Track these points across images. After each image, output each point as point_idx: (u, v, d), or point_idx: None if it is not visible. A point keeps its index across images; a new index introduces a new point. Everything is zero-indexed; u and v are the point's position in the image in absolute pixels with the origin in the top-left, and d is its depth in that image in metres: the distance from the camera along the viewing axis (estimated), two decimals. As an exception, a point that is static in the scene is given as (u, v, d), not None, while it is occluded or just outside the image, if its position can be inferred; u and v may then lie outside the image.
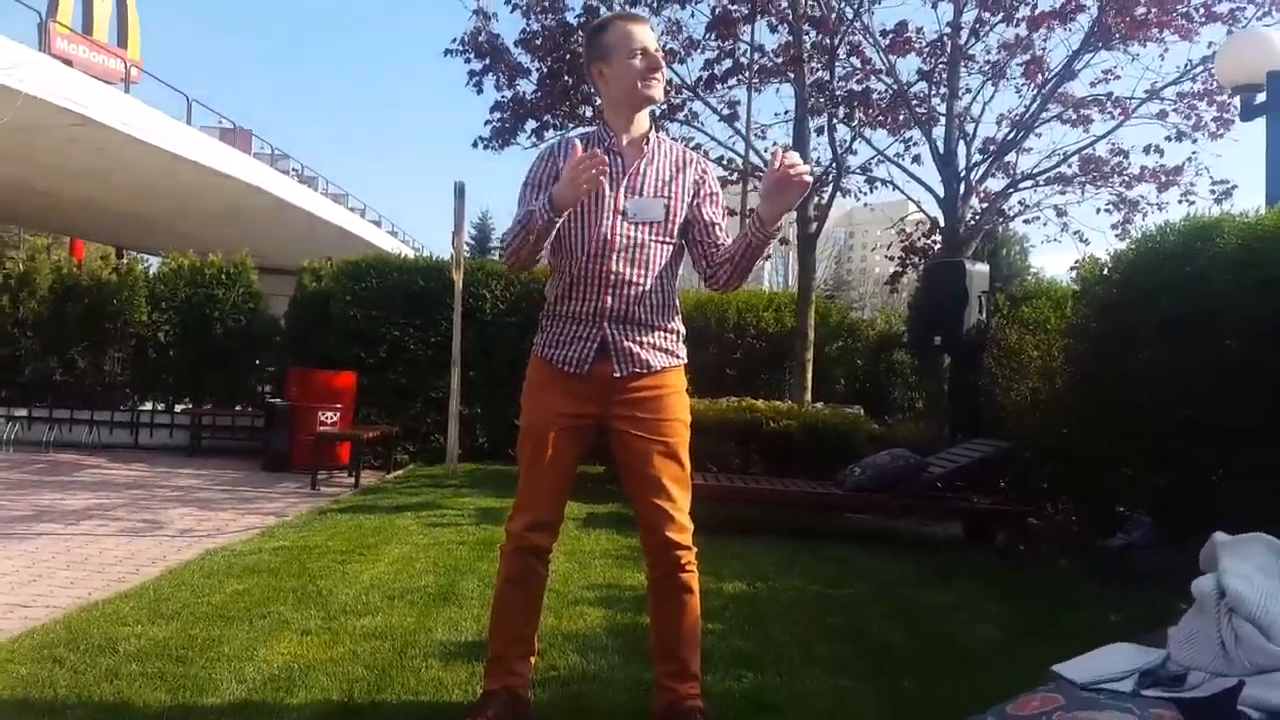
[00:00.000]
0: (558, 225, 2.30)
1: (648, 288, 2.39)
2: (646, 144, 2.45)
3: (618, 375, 2.39)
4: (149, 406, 10.67)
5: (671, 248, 2.44)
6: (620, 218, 2.37)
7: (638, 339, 2.40)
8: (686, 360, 2.52)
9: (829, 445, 6.94)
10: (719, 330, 10.65)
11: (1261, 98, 5.82)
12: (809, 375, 9.08)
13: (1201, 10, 8.48)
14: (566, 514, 6.66)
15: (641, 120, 2.46)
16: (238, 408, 10.46)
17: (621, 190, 2.39)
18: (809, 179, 2.21)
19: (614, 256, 2.36)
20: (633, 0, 9.19)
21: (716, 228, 2.48)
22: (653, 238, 2.39)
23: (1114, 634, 2.00)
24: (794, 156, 2.21)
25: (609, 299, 2.37)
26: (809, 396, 8.95)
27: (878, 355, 10.93)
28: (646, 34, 2.41)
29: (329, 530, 5.42)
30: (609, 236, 2.36)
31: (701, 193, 2.48)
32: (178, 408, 10.61)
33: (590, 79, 2.52)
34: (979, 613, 4.00)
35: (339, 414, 8.54)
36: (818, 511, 6.40)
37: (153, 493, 6.85)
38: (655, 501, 2.39)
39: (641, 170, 2.42)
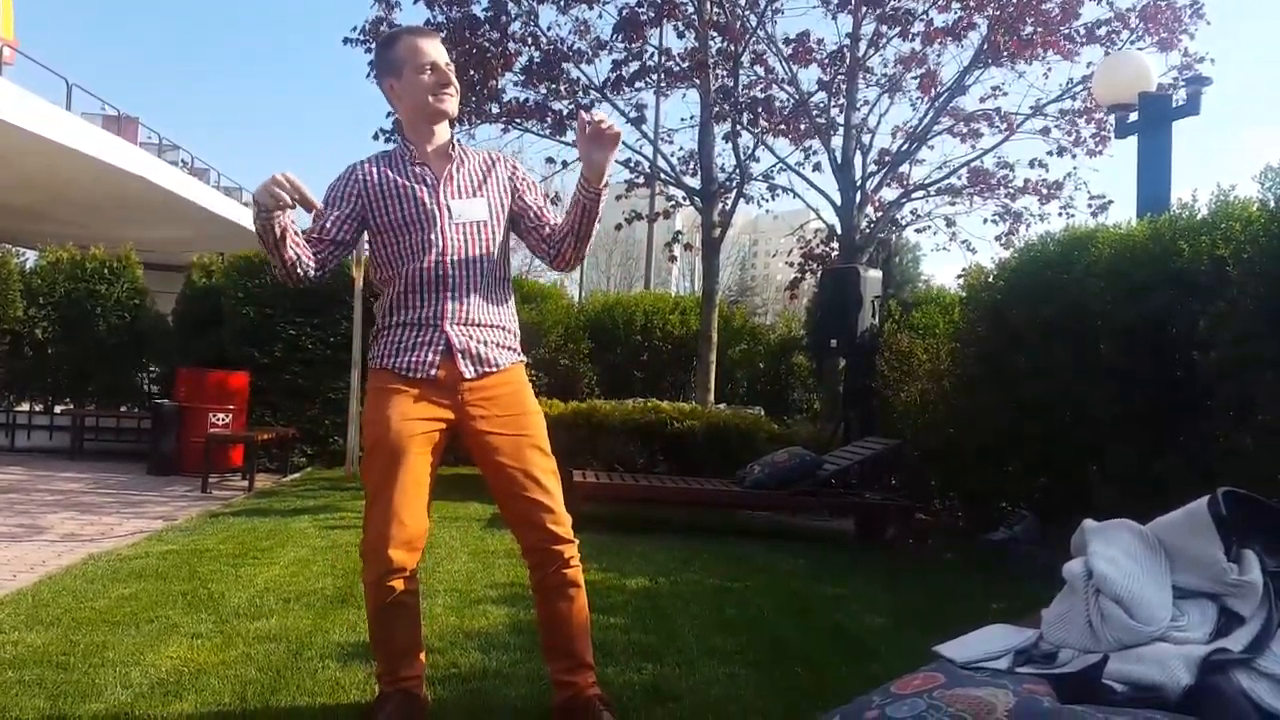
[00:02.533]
0: (275, 224, 2.16)
1: (483, 288, 2.39)
2: (452, 150, 2.44)
3: (469, 377, 2.35)
4: (26, 407, 10.12)
5: (500, 247, 2.44)
6: (446, 221, 2.36)
7: (482, 339, 2.38)
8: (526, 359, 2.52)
9: (730, 445, 7.12)
10: (626, 332, 10.72)
11: (1134, 117, 6.16)
12: (712, 377, 9.25)
13: (1082, 32, 8.98)
14: (470, 514, 6.54)
15: (441, 131, 2.45)
16: (122, 409, 10.00)
17: (441, 196, 2.38)
18: (619, 129, 2.26)
19: (446, 261, 2.34)
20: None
21: (544, 210, 2.49)
22: (481, 237, 2.39)
23: (993, 621, 2.09)
24: (599, 114, 2.25)
25: (449, 302, 2.35)
26: (712, 397, 9.12)
27: (778, 358, 11.17)
28: (436, 49, 2.39)
29: (221, 534, 5.25)
30: (440, 242, 2.35)
31: (519, 186, 2.50)
32: (57, 408, 10.09)
33: (384, 94, 2.47)
34: (868, 603, 4.15)
35: (231, 415, 8.27)
36: (719, 508, 6.56)
37: (31, 496, 6.50)
38: (531, 496, 2.35)
39: (454, 174, 2.42)
